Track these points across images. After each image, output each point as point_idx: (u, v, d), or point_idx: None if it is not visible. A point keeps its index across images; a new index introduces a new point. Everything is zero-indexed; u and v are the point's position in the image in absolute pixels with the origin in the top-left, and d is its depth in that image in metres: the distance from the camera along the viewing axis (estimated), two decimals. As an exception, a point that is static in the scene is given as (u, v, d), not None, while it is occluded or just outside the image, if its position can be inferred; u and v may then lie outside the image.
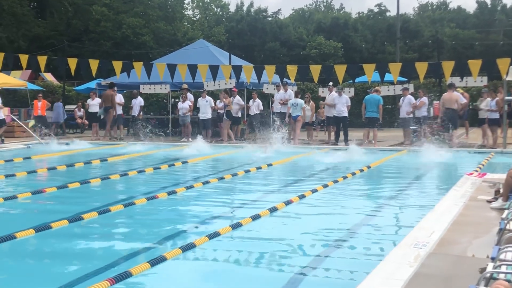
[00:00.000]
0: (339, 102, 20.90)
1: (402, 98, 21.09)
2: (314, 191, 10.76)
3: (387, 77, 21.89)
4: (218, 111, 22.71)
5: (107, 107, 23.41)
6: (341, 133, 21.12)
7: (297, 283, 5.75)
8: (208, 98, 22.76)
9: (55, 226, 7.83)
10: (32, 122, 23.17)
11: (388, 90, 22.75)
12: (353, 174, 13.23)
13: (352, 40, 62.16)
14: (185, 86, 23.19)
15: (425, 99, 20.52)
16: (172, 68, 21.49)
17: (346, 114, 20.96)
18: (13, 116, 25.02)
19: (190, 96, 23.43)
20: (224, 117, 22.30)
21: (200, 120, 22.78)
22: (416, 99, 20.91)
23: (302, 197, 10.15)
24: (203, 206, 10.08)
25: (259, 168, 14.40)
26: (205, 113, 22.58)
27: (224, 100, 22.31)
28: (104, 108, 23.41)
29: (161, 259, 6.24)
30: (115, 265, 6.34)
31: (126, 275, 5.65)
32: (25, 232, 7.39)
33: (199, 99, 22.86)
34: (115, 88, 23.76)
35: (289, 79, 22.09)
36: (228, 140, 22.04)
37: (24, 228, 7.53)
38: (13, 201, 9.94)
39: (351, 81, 28.32)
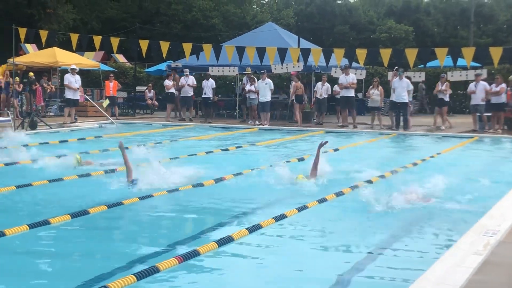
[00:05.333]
0: (399, 86, 20.07)
1: (474, 84, 20.44)
2: (381, 176, 10.66)
3: (460, 62, 21.36)
4: (245, 94, 22.95)
5: None
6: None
7: (365, 266, 5.76)
8: (268, 80, 22.32)
9: (126, 202, 8.06)
10: (106, 102, 23.73)
11: (461, 75, 22.21)
12: (423, 160, 13.00)
13: (423, 24, 60.75)
14: (249, 69, 23.20)
15: (505, 86, 19.83)
16: (240, 50, 21.60)
17: (407, 100, 20.22)
18: (86, 96, 25.71)
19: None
20: (294, 101, 22.11)
21: (259, 103, 22.32)
22: (490, 85, 20.25)
23: (369, 182, 10.08)
24: (270, 189, 10.14)
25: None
26: (264, 96, 22.08)
27: (296, 84, 22.07)
28: None
29: (228, 240, 6.34)
30: (183, 243, 6.49)
31: (194, 253, 5.77)
32: (97, 208, 7.66)
33: (259, 81, 22.44)
34: None
35: (358, 63, 21.82)
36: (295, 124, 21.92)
37: (97, 204, 7.80)
38: (87, 178, 10.27)
39: (422, 65, 27.75)
